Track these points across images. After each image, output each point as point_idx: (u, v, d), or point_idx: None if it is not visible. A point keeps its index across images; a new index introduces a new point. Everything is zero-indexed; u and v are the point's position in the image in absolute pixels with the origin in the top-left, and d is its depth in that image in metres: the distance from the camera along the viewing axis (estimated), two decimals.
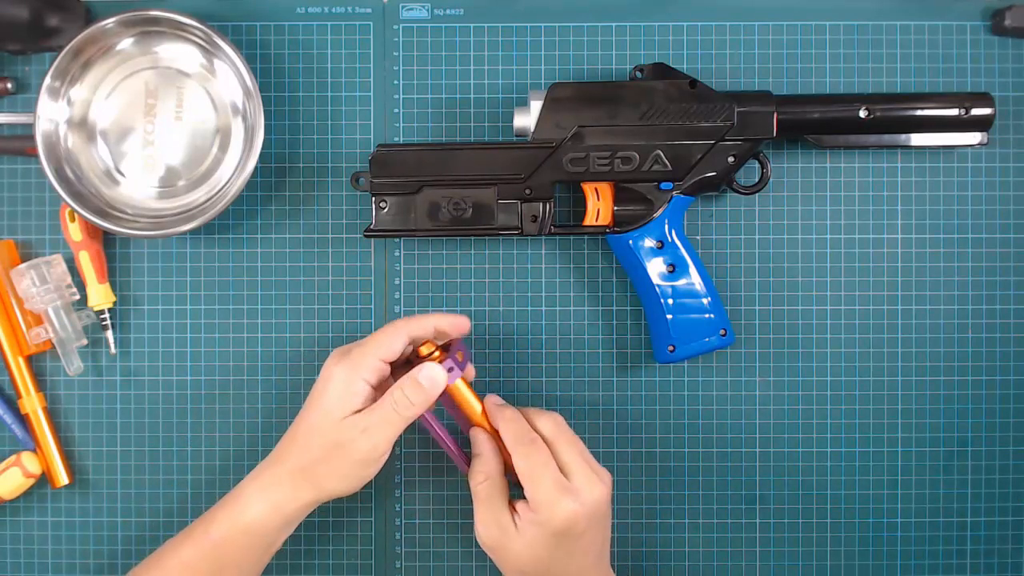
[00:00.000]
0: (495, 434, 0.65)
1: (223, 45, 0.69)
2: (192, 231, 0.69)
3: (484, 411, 0.66)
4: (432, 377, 0.63)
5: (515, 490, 0.64)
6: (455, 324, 0.66)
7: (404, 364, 0.67)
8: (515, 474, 0.64)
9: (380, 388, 0.64)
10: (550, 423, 0.64)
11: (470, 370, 0.68)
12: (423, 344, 0.65)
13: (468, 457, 0.66)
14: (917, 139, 0.70)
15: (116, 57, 0.71)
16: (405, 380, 0.62)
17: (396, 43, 0.73)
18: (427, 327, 0.65)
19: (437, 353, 0.64)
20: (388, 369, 0.64)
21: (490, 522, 0.63)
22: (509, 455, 0.65)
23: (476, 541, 0.64)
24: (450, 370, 0.63)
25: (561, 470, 0.62)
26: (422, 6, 0.73)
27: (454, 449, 0.66)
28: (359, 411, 0.62)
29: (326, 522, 0.73)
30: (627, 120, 0.68)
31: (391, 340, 0.63)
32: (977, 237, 0.73)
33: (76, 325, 0.71)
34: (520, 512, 0.62)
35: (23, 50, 0.72)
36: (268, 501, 0.62)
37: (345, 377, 0.63)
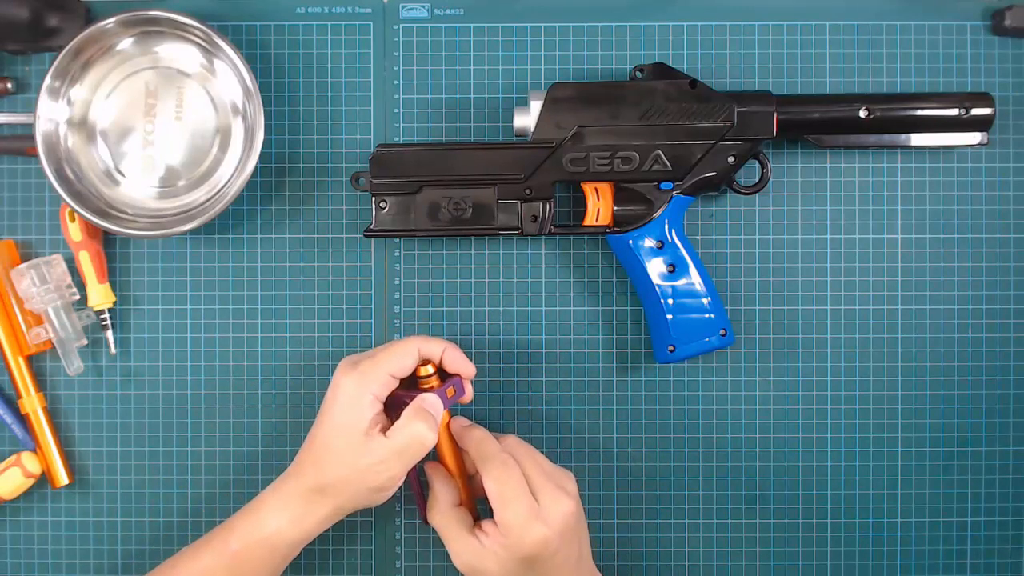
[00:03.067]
0: (456, 464, 0.66)
1: (223, 45, 0.69)
2: (192, 231, 0.69)
3: (449, 439, 0.66)
4: (434, 405, 0.63)
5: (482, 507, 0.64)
6: (463, 366, 0.65)
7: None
8: (471, 502, 0.65)
9: (386, 403, 0.64)
10: (510, 442, 0.64)
11: (468, 396, 0.67)
12: (423, 364, 0.64)
13: (424, 492, 0.67)
14: (917, 139, 0.70)
15: (116, 57, 0.71)
16: (419, 415, 0.62)
17: (396, 43, 0.73)
18: (438, 351, 0.64)
19: (434, 378, 0.64)
20: (396, 384, 0.64)
21: (460, 551, 0.62)
22: (465, 486, 0.66)
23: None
24: None
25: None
26: (422, 6, 0.73)
27: (416, 486, 0.67)
28: (372, 430, 0.62)
29: None
30: (627, 120, 0.68)
31: (403, 356, 0.63)
32: (977, 237, 0.73)
33: (76, 325, 0.71)
34: (489, 533, 0.61)
35: (23, 50, 0.72)
36: (287, 515, 0.62)
37: (354, 391, 0.62)
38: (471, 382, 0.67)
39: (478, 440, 0.64)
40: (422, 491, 0.67)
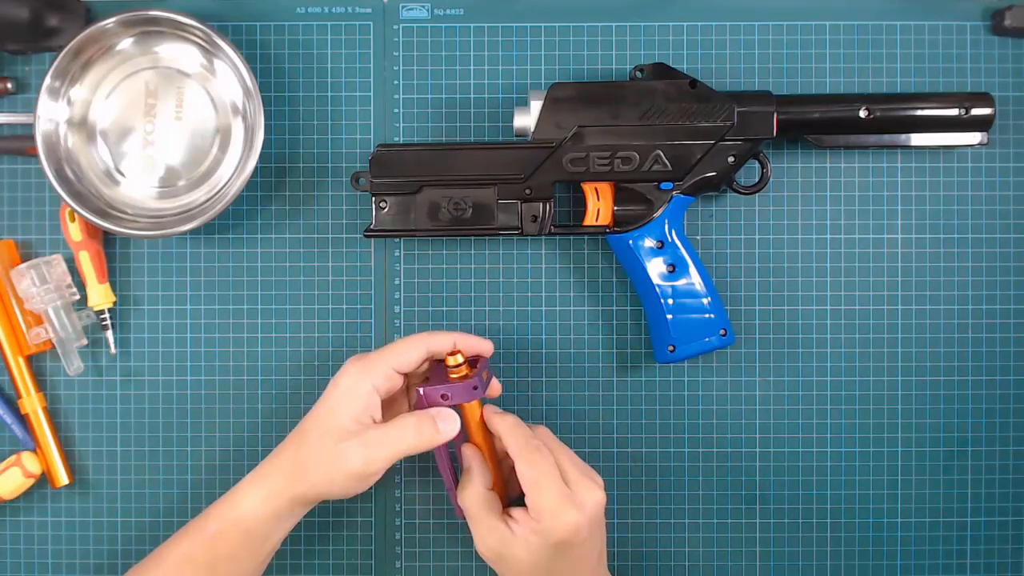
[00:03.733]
0: (487, 451, 0.65)
1: (223, 45, 0.69)
2: (192, 231, 0.69)
3: (482, 426, 0.65)
4: (447, 429, 0.63)
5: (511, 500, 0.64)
6: (478, 346, 0.65)
7: (423, 379, 0.66)
8: (502, 489, 0.65)
9: (388, 398, 0.64)
10: (541, 432, 0.64)
11: (495, 387, 0.67)
12: (452, 353, 0.64)
13: (456, 477, 0.66)
14: (917, 139, 0.70)
15: (116, 57, 0.71)
16: (424, 416, 0.62)
17: (396, 43, 0.73)
18: (447, 343, 0.64)
19: (464, 367, 0.64)
20: (400, 379, 0.64)
21: (487, 536, 0.62)
22: (497, 471, 0.65)
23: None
24: (474, 388, 0.63)
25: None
26: (422, 6, 0.73)
27: (447, 465, 0.66)
28: (365, 418, 0.62)
29: (326, 522, 0.73)
30: (627, 120, 0.68)
31: (408, 351, 0.63)
32: (977, 237, 0.73)
33: (76, 325, 0.71)
34: (520, 520, 0.61)
35: (23, 50, 0.72)
36: (260, 491, 0.63)
37: (355, 379, 0.63)
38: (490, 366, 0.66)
39: (511, 426, 0.64)
40: (454, 474, 0.67)
